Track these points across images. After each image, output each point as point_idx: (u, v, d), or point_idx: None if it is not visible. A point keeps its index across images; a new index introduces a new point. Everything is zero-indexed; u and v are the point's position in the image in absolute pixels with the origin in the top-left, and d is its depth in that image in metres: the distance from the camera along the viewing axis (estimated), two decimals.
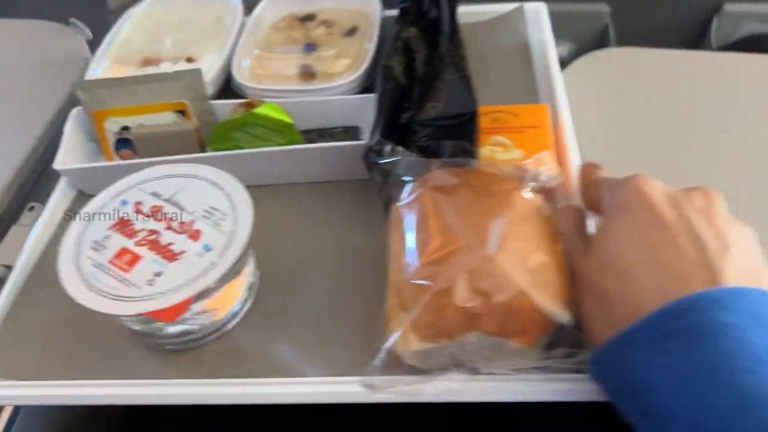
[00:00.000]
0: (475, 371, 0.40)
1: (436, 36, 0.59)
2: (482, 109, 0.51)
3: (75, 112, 0.60)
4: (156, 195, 0.47)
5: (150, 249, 0.43)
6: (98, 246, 0.44)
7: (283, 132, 0.54)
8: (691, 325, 0.31)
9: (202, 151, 0.57)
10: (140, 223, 0.45)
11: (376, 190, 0.49)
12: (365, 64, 0.61)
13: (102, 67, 0.65)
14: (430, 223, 0.40)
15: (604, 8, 0.92)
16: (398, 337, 0.39)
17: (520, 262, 0.38)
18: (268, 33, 0.69)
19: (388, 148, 0.48)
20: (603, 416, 0.38)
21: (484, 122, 0.51)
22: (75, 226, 0.46)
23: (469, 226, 0.39)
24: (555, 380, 0.40)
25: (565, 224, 0.41)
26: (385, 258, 0.47)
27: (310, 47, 0.67)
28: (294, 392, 0.42)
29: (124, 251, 0.44)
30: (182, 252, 0.43)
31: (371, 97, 0.58)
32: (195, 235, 0.44)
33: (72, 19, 0.82)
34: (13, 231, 0.60)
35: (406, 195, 0.44)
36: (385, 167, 0.47)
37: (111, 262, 0.43)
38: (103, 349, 0.47)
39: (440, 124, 0.50)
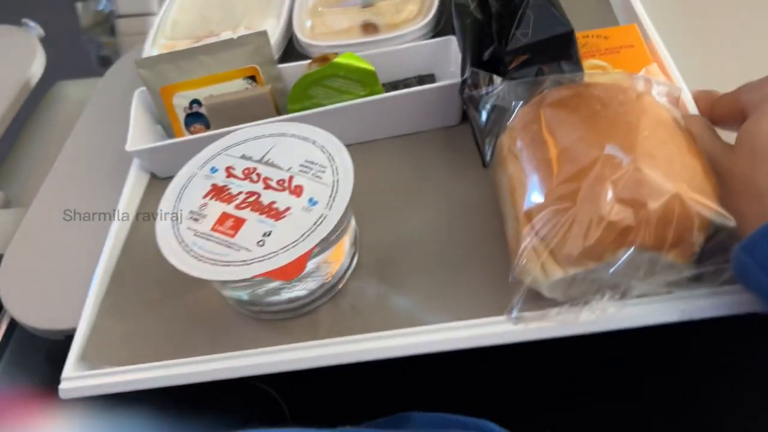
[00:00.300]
0: (623, 295, 0.36)
1: None
2: None
3: (139, 92, 0.58)
4: (246, 158, 0.44)
5: (252, 210, 0.41)
6: (196, 216, 0.42)
7: (363, 81, 0.51)
8: None
9: (279, 115, 0.54)
10: (236, 187, 0.43)
11: (475, 127, 0.46)
12: (434, 7, 0.58)
13: (158, 46, 0.63)
14: (556, 141, 0.37)
15: None
16: (536, 269, 0.36)
17: (668, 167, 0.34)
18: None
19: (485, 78, 0.44)
20: None
21: None
22: (166, 201, 0.43)
23: (604, 137, 0.36)
24: (714, 295, 0.36)
25: (701, 127, 0.38)
26: (496, 195, 0.44)
27: (367, 1, 0.64)
28: (436, 339, 0.39)
29: (225, 216, 0.41)
30: (287, 209, 0.40)
31: (447, 40, 0.55)
32: (297, 191, 0.41)
33: (24, 20, 0.83)
34: None
35: (517, 120, 0.41)
36: (484, 99, 0.44)
37: (214, 230, 0.41)
38: (209, 327, 0.45)
39: (533, 50, 0.47)
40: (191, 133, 0.56)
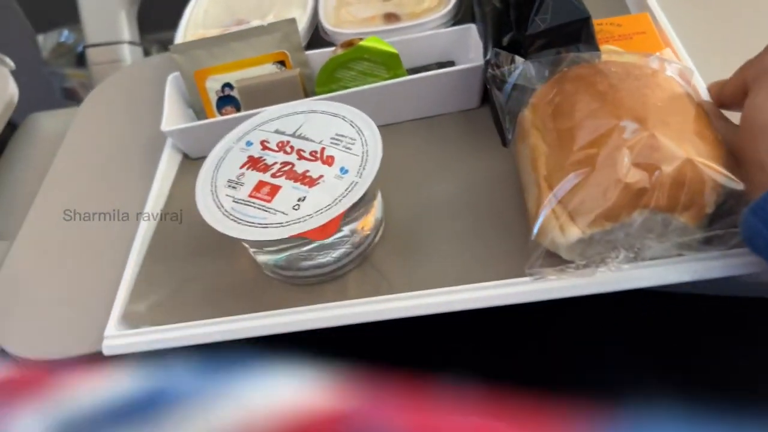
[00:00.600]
0: (637, 256, 0.39)
1: None
2: None
3: (173, 77, 0.61)
4: (279, 132, 0.47)
5: (287, 178, 0.44)
6: (234, 184, 0.44)
7: (388, 64, 0.53)
8: None
9: (307, 98, 0.57)
10: (271, 158, 0.45)
11: (497, 105, 0.48)
12: None
13: (189, 35, 0.66)
14: (576, 112, 0.39)
15: None
16: (555, 230, 0.38)
17: (681, 134, 0.37)
18: None
19: (508, 58, 0.47)
20: None
21: None
22: (205, 171, 0.46)
23: (621, 108, 0.38)
24: (725, 257, 0.38)
25: (711, 111, 0.40)
26: (517, 167, 0.46)
27: None
28: (458, 299, 0.41)
29: (261, 184, 0.44)
30: (320, 176, 0.43)
31: (467, 28, 0.58)
32: (329, 161, 0.44)
33: None
34: None
35: (539, 97, 0.44)
36: (507, 78, 0.47)
37: (251, 196, 0.43)
38: (244, 291, 0.48)
39: (551, 35, 0.49)
40: (223, 114, 0.59)
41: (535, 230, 0.39)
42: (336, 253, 0.45)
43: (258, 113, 0.50)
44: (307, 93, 0.58)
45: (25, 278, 0.56)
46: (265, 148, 0.46)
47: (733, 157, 0.38)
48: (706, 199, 0.36)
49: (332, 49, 0.58)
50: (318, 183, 0.43)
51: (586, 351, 0.52)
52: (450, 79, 0.53)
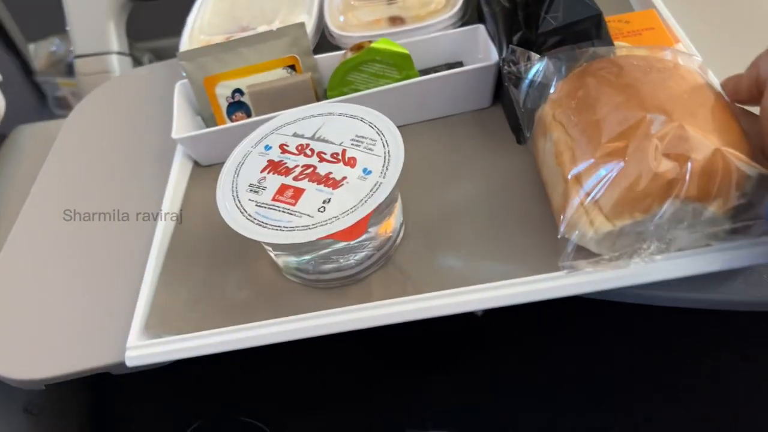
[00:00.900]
0: (668, 248, 0.39)
1: None
2: None
3: (180, 85, 0.60)
4: (298, 135, 0.47)
5: (311, 181, 0.43)
6: (256, 188, 0.44)
7: (399, 65, 0.53)
8: None
9: (318, 101, 0.56)
10: (292, 161, 0.45)
11: (514, 101, 0.48)
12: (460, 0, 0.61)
13: (194, 42, 0.66)
14: (601, 105, 0.40)
15: None
16: (585, 224, 0.38)
17: (708, 125, 0.37)
18: None
19: (524, 56, 0.47)
20: None
21: None
22: (224, 176, 0.46)
23: (647, 100, 0.38)
24: (753, 245, 0.39)
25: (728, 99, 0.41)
26: (537, 163, 0.46)
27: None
28: (493, 296, 0.41)
29: (284, 187, 0.43)
30: (344, 178, 0.43)
31: (475, 28, 0.58)
32: (351, 162, 0.44)
33: None
34: None
35: (559, 91, 0.44)
36: (523, 75, 0.47)
37: (275, 200, 0.43)
38: (266, 296, 0.47)
39: (564, 33, 0.50)
40: (234, 121, 0.59)
41: (564, 224, 0.39)
42: (358, 256, 0.45)
43: (273, 117, 0.50)
44: (319, 97, 0.57)
45: (16, 293, 0.55)
46: (284, 151, 0.46)
47: (758, 149, 0.38)
48: (734, 189, 0.37)
49: (341, 52, 0.58)
50: (342, 185, 0.42)
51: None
52: (463, 78, 0.53)
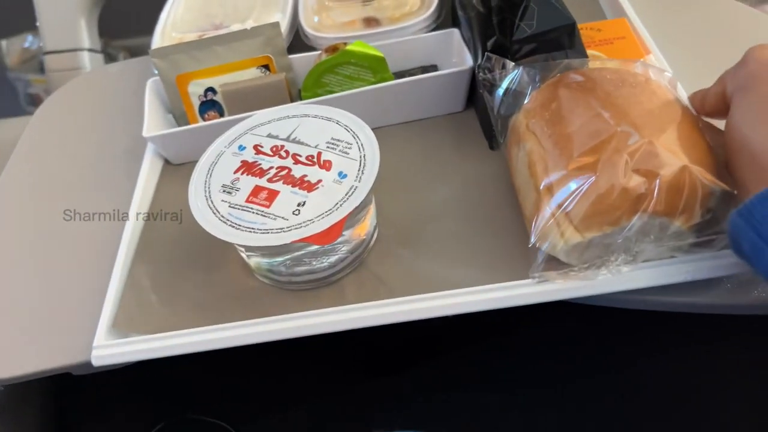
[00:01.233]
0: (634, 259, 0.40)
1: None
2: None
3: (152, 82, 0.59)
4: (272, 136, 0.47)
5: (285, 183, 0.43)
6: (229, 189, 0.44)
7: (374, 68, 0.54)
8: None
9: (292, 102, 0.56)
10: (266, 162, 0.45)
11: (489, 108, 0.49)
12: (435, 2, 0.61)
13: (166, 39, 0.65)
14: (574, 118, 0.40)
15: None
16: (556, 234, 0.39)
17: (677, 142, 0.38)
18: None
19: (499, 63, 0.48)
20: None
21: None
22: (197, 176, 0.45)
23: (618, 115, 0.39)
24: (715, 258, 0.40)
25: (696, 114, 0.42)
26: (510, 170, 0.47)
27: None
28: (465, 301, 0.41)
29: (258, 189, 0.43)
30: (319, 181, 0.43)
31: (450, 32, 0.59)
32: (326, 165, 0.44)
33: None
34: None
35: (533, 101, 0.44)
36: (498, 82, 0.47)
37: (248, 201, 0.43)
38: (236, 298, 0.47)
39: (538, 40, 0.50)
40: (206, 120, 0.58)
41: (536, 234, 0.40)
42: (332, 259, 0.45)
43: (247, 118, 0.49)
44: (292, 97, 0.57)
45: None
46: (259, 152, 0.46)
47: (723, 163, 0.39)
48: (699, 205, 0.38)
49: (316, 53, 0.58)
50: (317, 187, 0.42)
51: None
52: (438, 82, 0.54)
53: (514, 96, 0.47)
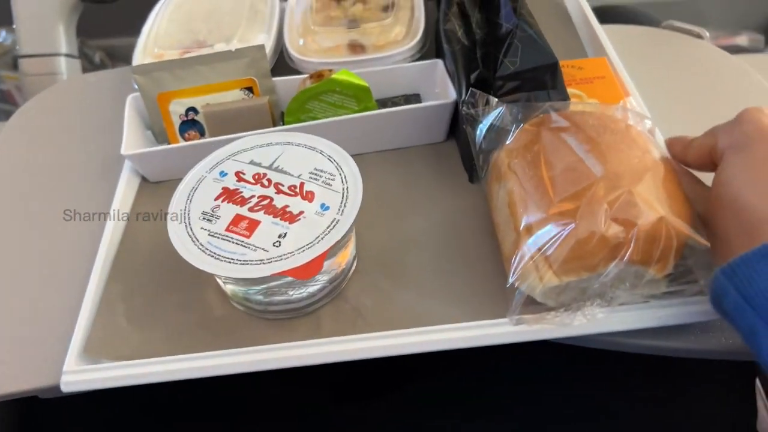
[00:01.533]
0: (608, 303, 0.41)
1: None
2: None
3: (132, 98, 0.59)
4: (255, 164, 0.47)
5: (266, 213, 0.43)
6: (209, 217, 0.43)
7: (358, 97, 0.54)
8: None
9: (274, 126, 0.56)
10: (248, 191, 0.45)
11: (471, 143, 0.49)
12: (420, 31, 0.61)
13: (148, 56, 0.64)
14: (556, 163, 0.41)
15: None
16: (534, 276, 0.40)
17: (655, 192, 0.39)
18: (305, 14, 0.69)
19: (483, 99, 0.48)
20: None
21: None
22: (176, 202, 0.45)
23: (600, 162, 0.40)
24: (686, 304, 0.41)
25: (675, 162, 0.43)
26: (489, 206, 0.48)
27: (352, 23, 0.67)
28: (443, 339, 0.42)
29: (239, 218, 0.43)
30: (301, 213, 0.43)
31: (434, 63, 0.59)
32: (309, 196, 0.44)
33: None
34: None
35: (516, 141, 0.45)
36: (480, 118, 0.48)
37: (228, 230, 0.42)
38: (211, 325, 0.47)
39: (521, 78, 0.51)
40: (186, 140, 0.57)
41: (515, 275, 0.40)
42: (310, 289, 0.45)
43: (229, 142, 0.49)
44: (275, 120, 0.57)
45: None
46: (240, 179, 0.46)
47: (699, 217, 0.40)
48: (674, 256, 0.39)
49: (300, 77, 0.58)
50: (299, 219, 0.42)
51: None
52: (421, 113, 0.54)
53: (497, 132, 0.48)
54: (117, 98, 0.61)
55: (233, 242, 0.42)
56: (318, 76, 0.55)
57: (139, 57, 0.64)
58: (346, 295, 0.47)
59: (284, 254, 0.40)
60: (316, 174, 0.45)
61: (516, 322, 0.41)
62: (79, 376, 0.44)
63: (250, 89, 0.57)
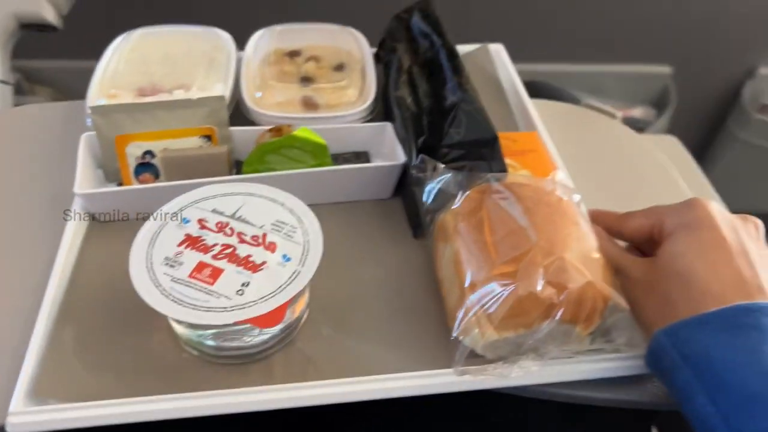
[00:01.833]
0: (541, 357, 0.45)
1: (435, 72, 0.66)
2: None
3: (86, 137, 0.59)
4: (218, 212, 0.49)
5: (230, 262, 0.45)
6: (172, 262, 0.45)
7: (316, 153, 0.57)
8: (761, 323, 0.39)
9: (230, 174, 0.58)
10: (211, 239, 0.47)
11: (418, 203, 0.54)
12: (371, 95, 0.66)
13: (102, 96, 0.65)
14: (497, 229, 0.46)
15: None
16: (475, 332, 0.44)
17: (582, 259, 0.44)
18: (260, 67, 0.72)
19: (431, 165, 0.53)
20: None
21: None
22: (138, 246, 0.46)
23: (536, 231, 0.45)
24: (609, 360, 0.47)
25: (606, 240, 0.49)
26: (435, 263, 0.52)
27: (306, 80, 0.71)
28: (386, 387, 0.45)
29: (202, 265, 0.45)
30: (264, 263, 0.45)
31: (384, 125, 0.64)
32: (271, 247, 0.46)
33: None
34: None
35: (461, 206, 0.50)
36: (428, 181, 0.53)
37: (192, 277, 0.44)
38: (163, 367, 0.48)
39: (464, 147, 0.56)
40: (140, 181, 0.59)
41: (458, 329, 0.45)
42: (264, 336, 0.47)
43: (187, 187, 0.50)
44: (231, 169, 0.59)
45: None
46: (203, 227, 0.48)
47: (618, 280, 0.46)
48: (599, 316, 0.44)
49: (257, 128, 0.61)
50: (261, 269, 0.45)
51: None
52: (373, 173, 0.59)
53: (443, 196, 0.52)
54: (62, 131, 0.63)
55: (196, 288, 0.43)
56: (277, 130, 0.58)
57: (94, 95, 0.64)
58: (297, 342, 0.49)
59: (248, 302, 0.43)
60: (277, 225, 0.48)
61: (460, 373, 0.45)
62: (27, 417, 0.43)
63: (208, 137, 0.59)
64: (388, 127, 0.63)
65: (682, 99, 1.45)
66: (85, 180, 0.57)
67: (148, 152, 0.58)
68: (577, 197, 0.51)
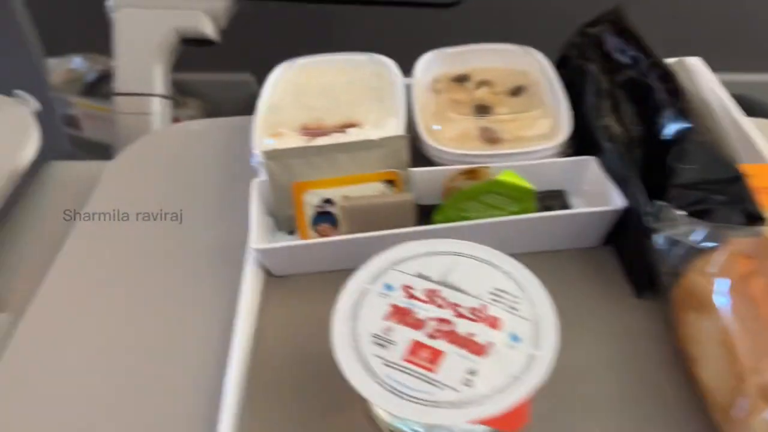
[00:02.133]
0: None
1: (643, 95, 0.56)
2: None
3: (257, 183, 0.55)
4: (423, 277, 0.42)
5: (450, 342, 0.38)
6: (382, 341, 0.38)
7: (520, 199, 0.49)
8: None
9: (416, 224, 0.51)
10: (422, 311, 0.40)
11: (653, 257, 0.44)
12: (567, 126, 0.57)
13: (267, 135, 0.60)
14: None
15: None
16: None
17: None
18: (427, 95, 0.65)
19: (668, 211, 0.44)
20: None
21: None
22: (340, 320, 0.40)
23: None
24: None
25: None
26: (683, 334, 0.42)
27: (481, 109, 0.63)
28: None
29: (418, 345, 0.38)
30: (490, 344, 0.38)
31: (585, 160, 0.55)
32: (494, 323, 0.39)
33: (16, 91, 0.76)
34: None
35: (722, 267, 0.40)
36: (661, 233, 0.43)
37: (407, 360, 0.37)
38: None
39: (703, 188, 0.47)
40: (318, 232, 0.53)
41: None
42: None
43: (368, 238, 0.44)
44: (416, 217, 0.52)
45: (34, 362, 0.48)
46: (411, 296, 0.41)
47: None
48: None
49: (443, 170, 0.54)
50: (489, 352, 0.37)
51: None
52: (588, 218, 0.50)
53: (685, 250, 0.43)
54: (224, 150, 0.64)
55: (415, 376, 0.36)
56: (470, 172, 0.51)
57: (259, 134, 0.60)
58: None
59: (479, 397, 0.35)
60: (497, 295, 0.40)
61: None
62: None
63: (390, 182, 0.53)
64: (591, 162, 0.54)
65: None
66: (259, 232, 0.52)
67: (328, 200, 0.53)
68: None
